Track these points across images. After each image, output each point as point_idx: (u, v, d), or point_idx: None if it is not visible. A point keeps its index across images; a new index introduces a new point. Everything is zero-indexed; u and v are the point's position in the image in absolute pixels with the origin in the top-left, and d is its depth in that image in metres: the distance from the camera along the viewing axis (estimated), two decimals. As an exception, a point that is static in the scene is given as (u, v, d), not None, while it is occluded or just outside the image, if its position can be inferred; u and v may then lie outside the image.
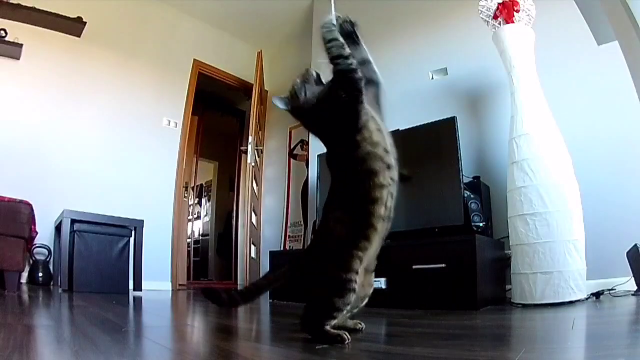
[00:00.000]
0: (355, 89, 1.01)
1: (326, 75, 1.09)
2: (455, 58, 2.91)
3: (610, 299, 1.84)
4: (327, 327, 0.99)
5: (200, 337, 1.31)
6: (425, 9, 3.17)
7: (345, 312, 1.01)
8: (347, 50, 1.02)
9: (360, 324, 1.16)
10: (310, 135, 3.82)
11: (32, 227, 2.72)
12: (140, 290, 3.02)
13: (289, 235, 4.11)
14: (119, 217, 3.01)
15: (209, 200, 6.62)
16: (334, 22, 1.06)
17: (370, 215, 1.01)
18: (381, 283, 2.09)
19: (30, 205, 2.64)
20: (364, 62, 1.13)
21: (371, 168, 1.01)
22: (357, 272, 1.00)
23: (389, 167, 1.04)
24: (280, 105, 1.12)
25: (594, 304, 1.75)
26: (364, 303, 1.12)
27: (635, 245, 1.79)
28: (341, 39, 1.03)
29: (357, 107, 1.02)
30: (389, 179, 1.03)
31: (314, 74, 1.11)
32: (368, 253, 1.03)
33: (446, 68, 2.95)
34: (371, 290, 1.13)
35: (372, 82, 1.13)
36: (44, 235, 2.96)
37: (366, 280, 1.10)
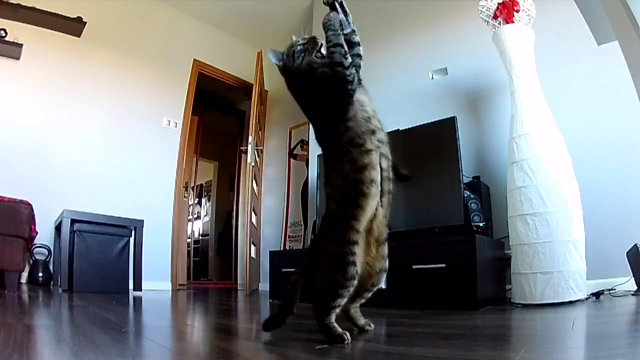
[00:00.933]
0: (346, 96, 1.03)
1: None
2: (455, 58, 2.91)
3: (610, 299, 1.84)
4: (332, 321, 0.98)
5: (200, 337, 1.31)
6: (425, 9, 3.17)
7: (351, 289, 0.99)
8: (349, 60, 1.03)
9: (369, 326, 1.15)
10: (311, 135, 3.83)
11: (32, 227, 2.72)
12: (140, 290, 3.02)
13: (289, 235, 4.11)
14: (119, 217, 3.01)
15: (209, 200, 6.61)
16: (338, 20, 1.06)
17: (359, 183, 1.01)
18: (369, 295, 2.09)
19: (30, 205, 2.64)
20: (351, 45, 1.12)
21: (355, 141, 1.03)
22: (355, 243, 0.99)
23: (373, 132, 1.05)
24: (273, 58, 1.11)
25: (594, 304, 1.75)
26: (382, 280, 1.11)
27: (635, 245, 1.79)
28: (345, 47, 1.03)
29: (345, 107, 1.04)
30: (376, 141, 1.05)
31: (319, 44, 1.09)
32: (365, 220, 1.02)
33: (446, 68, 2.95)
34: (387, 264, 1.11)
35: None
36: (44, 235, 2.96)
37: (379, 253, 1.09)
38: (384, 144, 1.08)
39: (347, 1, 1.12)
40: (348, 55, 1.03)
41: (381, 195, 1.06)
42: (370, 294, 1.12)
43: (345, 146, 1.03)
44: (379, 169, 1.04)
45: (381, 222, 1.07)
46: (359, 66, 1.13)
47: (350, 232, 0.99)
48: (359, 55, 1.13)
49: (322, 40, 1.10)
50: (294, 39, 1.13)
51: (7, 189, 2.70)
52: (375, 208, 1.04)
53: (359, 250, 1.00)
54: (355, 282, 1.00)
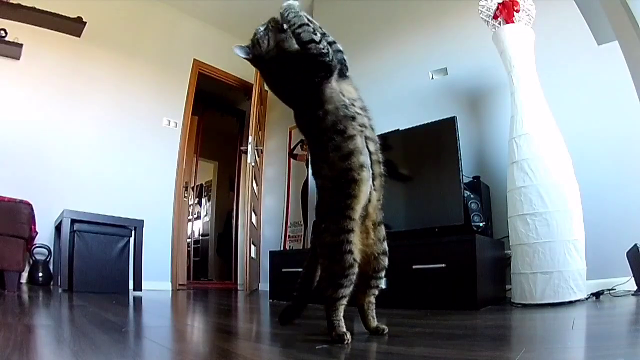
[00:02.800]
0: (327, 71, 1.02)
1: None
2: (455, 58, 2.91)
3: (610, 299, 1.84)
4: (338, 317, 0.97)
5: (200, 337, 1.31)
6: (425, 9, 3.17)
7: (352, 277, 0.98)
8: (318, 35, 1.02)
9: (380, 328, 1.09)
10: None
11: (32, 227, 2.72)
12: (140, 290, 3.02)
13: (289, 235, 4.10)
14: (119, 217, 3.01)
15: (209, 200, 6.62)
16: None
17: (349, 171, 1.00)
18: (381, 283, 2.09)
19: (30, 205, 2.64)
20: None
21: (337, 127, 1.02)
22: (350, 232, 0.99)
23: (353, 117, 1.04)
24: (241, 53, 1.10)
25: (594, 304, 1.75)
26: (385, 262, 1.09)
27: (635, 245, 1.79)
28: (311, 24, 1.02)
29: (324, 86, 1.03)
30: (358, 126, 1.04)
31: (280, 22, 1.09)
32: (359, 208, 1.01)
33: (446, 68, 2.95)
34: (386, 247, 1.10)
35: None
36: (44, 235, 2.96)
37: (376, 235, 1.08)
38: (368, 128, 1.07)
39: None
40: (317, 31, 1.02)
41: (373, 179, 1.05)
42: (380, 281, 1.09)
43: (327, 133, 1.03)
44: (366, 152, 1.04)
45: (376, 206, 1.07)
46: (344, 59, 1.12)
47: (345, 221, 0.99)
48: (340, 51, 1.12)
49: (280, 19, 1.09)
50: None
51: (7, 189, 2.70)
52: (369, 192, 1.04)
53: (355, 238, 1.00)
54: (355, 270, 0.98)
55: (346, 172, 1.00)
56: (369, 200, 1.04)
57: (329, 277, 0.99)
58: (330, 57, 1.02)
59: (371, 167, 1.05)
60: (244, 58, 1.11)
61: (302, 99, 1.08)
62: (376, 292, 1.11)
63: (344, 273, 0.97)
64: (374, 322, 1.11)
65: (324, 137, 1.03)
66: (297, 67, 1.05)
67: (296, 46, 1.06)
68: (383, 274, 1.10)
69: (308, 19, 1.07)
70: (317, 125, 1.05)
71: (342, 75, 1.10)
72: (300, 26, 1.01)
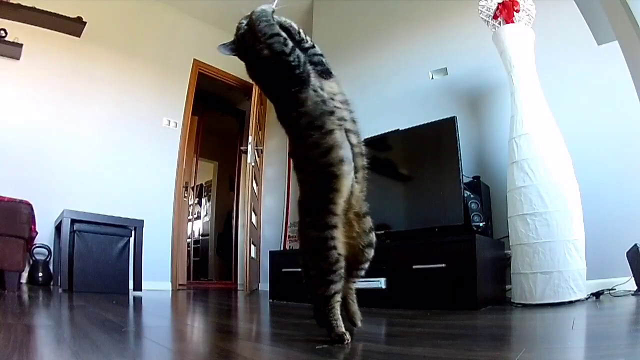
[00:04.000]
0: (299, 82, 1.01)
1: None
2: (455, 58, 2.91)
3: (610, 299, 1.84)
4: (335, 317, 0.97)
5: (200, 337, 1.31)
6: (425, 9, 3.17)
7: (340, 272, 0.98)
8: (289, 46, 1.01)
9: (359, 321, 1.11)
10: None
11: (32, 227, 2.72)
12: (140, 290, 3.02)
13: (289, 235, 4.10)
14: (119, 217, 3.01)
15: (209, 200, 6.62)
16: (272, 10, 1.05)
17: (329, 166, 1.00)
18: (381, 283, 2.09)
19: (30, 205, 2.64)
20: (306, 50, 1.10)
21: (314, 124, 1.01)
22: (334, 227, 0.99)
23: (331, 112, 1.03)
24: (226, 51, 1.09)
25: (594, 304, 1.75)
26: (371, 254, 1.09)
27: (635, 245, 1.79)
28: (283, 34, 1.02)
29: (301, 93, 1.02)
30: (337, 120, 1.03)
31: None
32: (342, 202, 1.01)
33: (446, 68, 2.95)
34: (373, 238, 1.10)
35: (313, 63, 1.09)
36: (44, 235, 2.96)
37: (361, 228, 1.08)
38: (349, 120, 1.06)
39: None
40: (288, 41, 1.01)
41: (355, 172, 1.05)
42: (363, 272, 1.11)
43: (304, 130, 1.02)
44: (347, 145, 1.03)
45: (359, 197, 1.07)
46: (323, 61, 1.10)
47: (329, 216, 0.99)
48: (318, 54, 1.11)
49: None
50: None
51: (7, 189, 2.69)
52: (352, 185, 1.04)
53: (338, 234, 1.00)
54: (342, 264, 0.99)
55: (326, 167, 1.00)
56: (351, 193, 1.04)
57: (318, 275, 0.99)
58: (301, 69, 1.01)
59: (353, 159, 1.04)
60: (231, 55, 1.10)
61: (285, 101, 1.08)
62: (356, 281, 1.13)
63: (331, 269, 0.97)
64: (354, 306, 1.12)
65: (303, 134, 1.03)
66: (281, 70, 1.04)
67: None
68: (367, 265, 1.11)
69: (283, 26, 1.06)
70: (294, 125, 1.05)
71: (326, 75, 1.09)
72: (270, 36, 1.01)
